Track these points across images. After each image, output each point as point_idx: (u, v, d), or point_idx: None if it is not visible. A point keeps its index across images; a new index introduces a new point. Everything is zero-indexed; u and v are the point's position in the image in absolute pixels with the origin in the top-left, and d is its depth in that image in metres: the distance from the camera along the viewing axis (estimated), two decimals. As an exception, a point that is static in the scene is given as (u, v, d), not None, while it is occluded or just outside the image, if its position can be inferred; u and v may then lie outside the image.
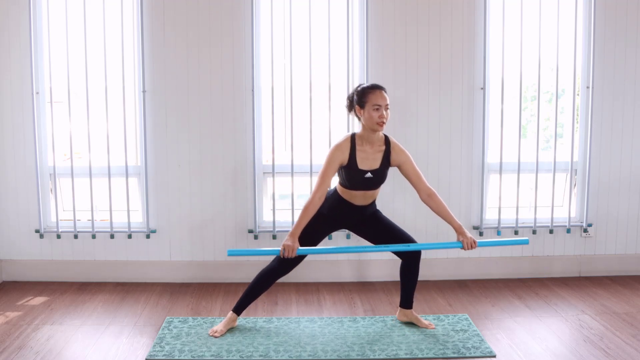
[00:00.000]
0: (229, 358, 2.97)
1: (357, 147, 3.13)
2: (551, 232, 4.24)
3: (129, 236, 4.17)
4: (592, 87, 4.14)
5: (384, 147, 3.16)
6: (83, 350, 3.07)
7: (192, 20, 4.00)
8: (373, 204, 3.32)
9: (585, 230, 4.28)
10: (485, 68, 4.07)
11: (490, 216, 4.27)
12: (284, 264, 3.20)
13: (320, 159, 4.09)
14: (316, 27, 4.04)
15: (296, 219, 4.10)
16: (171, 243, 4.19)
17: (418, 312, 3.56)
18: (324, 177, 3.10)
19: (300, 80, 4.09)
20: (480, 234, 4.21)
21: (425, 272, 4.22)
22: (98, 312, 3.61)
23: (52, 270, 4.19)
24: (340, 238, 4.20)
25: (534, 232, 4.23)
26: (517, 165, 4.16)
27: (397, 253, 3.31)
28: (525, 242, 3.28)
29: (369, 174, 3.14)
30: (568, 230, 4.26)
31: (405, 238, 3.27)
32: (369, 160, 3.14)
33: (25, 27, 3.96)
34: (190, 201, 4.15)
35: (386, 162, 3.16)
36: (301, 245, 3.11)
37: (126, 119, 4.07)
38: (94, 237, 4.16)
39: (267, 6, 4.01)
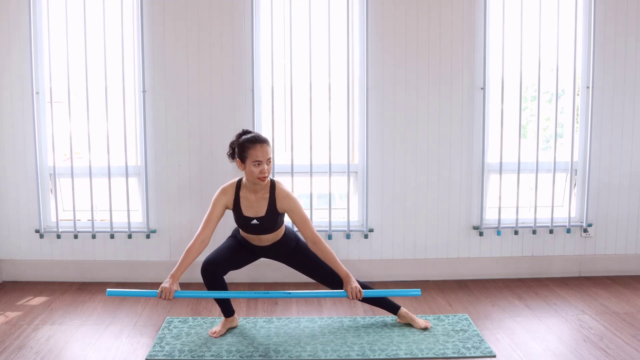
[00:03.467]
0: (229, 358, 2.97)
1: (241, 194, 3.11)
2: (551, 232, 4.24)
3: (129, 236, 4.17)
4: (592, 87, 4.14)
5: (268, 195, 3.09)
6: (83, 350, 3.07)
7: (192, 20, 4.00)
8: (283, 242, 3.24)
9: (585, 230, 4.28)
10: (485, 68, 4.07)
11: (490, 216, 4.27)
12: (204, 274, 3.11)
13: (321, 159, 4.12)
14: (316, 27, 4.04)
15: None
16: (171, 243, 4.19)
17: (418, 312, 3.56)
18: (207, 220, 3.07)
19: (300, 80, 4.08)
20: (481, 234, 4.21)
21: (425, 272, 4.23)
22: (98, 312, 3.61)
23: (52, 270, 4.19)
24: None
25: (534, 232, 4.23)
26: (517, 165, 4.16)
27: (325, 284, 3.27)
28: (417, 294, 3.05)
29: (254, 221, 3.10)
30: (568, 230, 4.26)
31: (333, 272, 3.16)
32: (253, 208, 3.10)
33: (25, 27, 3.96)
34: (190, 201, 4.14)
35: (272, 208, 3.09)
36: (224, 263, 3.12)
37: (126, 119, 4.07)
38: (94, 237, 4.16)
39: (267, 6, 4.01)
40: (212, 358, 2.97)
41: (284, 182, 4.15)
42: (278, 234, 3.21)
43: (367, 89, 4.06)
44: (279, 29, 4.03)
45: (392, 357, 2.99)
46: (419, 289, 3.08)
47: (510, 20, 4.07)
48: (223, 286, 3.16)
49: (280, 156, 4.15)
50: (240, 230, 3.24)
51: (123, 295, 3.22)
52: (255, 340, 3.17)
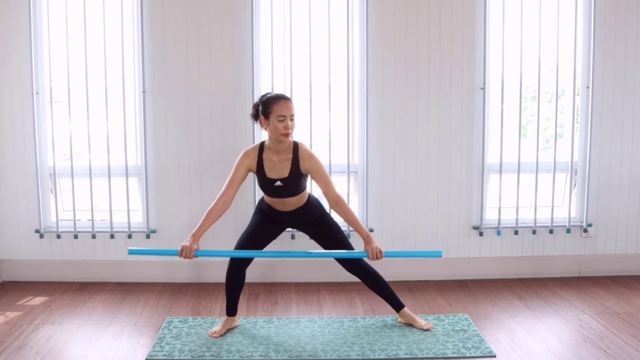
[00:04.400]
0: (229, 358, 2.97)
1: (264, 156, 3.12)
2: (551, 232, 4.24)
3: (129, 236, 4.17)
4: (592, 87, 4.14)
5: (291, 155, 3.11)
6: (83, 350, 3.07)
7: (192, 20, 4.00)
8: (306, 208, 3.25)
9: (585, 230, 4.28)
10: (485, 68, 4.07)
11: (490, 216, 4.27)
12: (231, 264, 3.20)
13: (321, 159, 4.10)
14: (316, 27, 4.04)
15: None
16: (171, 243, 4.19)
17: (418, 312, 3.57)
18: (229, 182, 3.10)
19: (300, 81, 4.08)
20: (481, 234, 4.21)
21: (425, 272, 4.23)
22: (98, 312, 3.61)
23: (52, 270, 4.19)
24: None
25: (534, 232, 4.23)
26: (517, 165, 4.16)
27: (343, 266, 3.29)
28: (439, 255, 3.10)
29: (278, 182, 3.11)
30: (568, 230, 4.26)
31: (347, 258, 3.23)
32: (276, 169, 3.12)
33: (25, 27, 3.96)
34: (190, 201, 4.14)
35: (296, 169, 3.11)
36: (250, 247, 3.17)
37: (126, 119, 4.07)
38: (94, 237, 4.16)
39: (267, 6, 4.01)
40: (212, 358, 2.98)
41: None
42: (302, 199, 3.21)
43: (367, 89, 4.06)
44: (279, 29, 4.03)
45: (392, 357, 2.99)
46: (440, 250, 3.17)
47: (510, 20, 4.07)
48: (243, 280, 3.25)
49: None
50: (264, 197, 3.25)
51: (144, 254, 3.23)
52: (255, 340, 3.17)
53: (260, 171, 3.13)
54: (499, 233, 4.23)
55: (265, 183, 3.14)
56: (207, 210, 3.07)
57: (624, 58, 4.13)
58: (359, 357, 2.98)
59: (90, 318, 3.51)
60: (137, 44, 4.00)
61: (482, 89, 4.10)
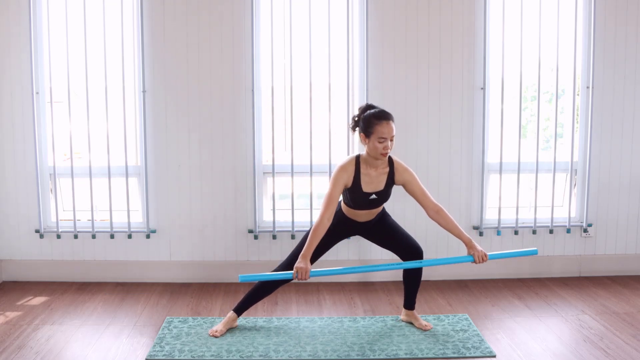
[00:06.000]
0: (229, 358, 2.97)
1: (362, 171, 3.12)
2: (551, 232, 4.24)
3: (129, 236, 4.17)
4: (592, 87, 4.14)
5: (387, 169, 3.14)
6: (83, 350, 3.07)
7: (192, 20, 4.00)
8: (381, 215, 3.32)
9: (585, 230, 4.28)
10: (485, 68, 4.07)
11: (490, 216, 4.27)
12: (291, 268, 3.17)
13: (320, 159, 4.12)
14: (316, 27, 4.04)
15: (296, 219, 4.15)
16: (171, 243, 4.19)
17: (418, 312, 3.56)
18: (331, 198, 3.08)
19: (300, 80, 4.08)
20: (481, 234, 4.21)
21: (425, 272, 4.21)
22: (98, 312, 3.61)
23: (52, 270, 4.19)
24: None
25: (534, 232, 4.23)
26: (517, 165, 4.16)
27: (400, 256, 3.31)
28: (535, 253, 3.19)
29: (373, 196, 3.15)
30: (568, 230, 4.26)
31: (409, 244, 3.28)
32: (373, 184, 3.14)
33: (25, 27, 3.96)
34: (190, 201, 4.14)
35: (390, 182, 3.16)
36: (315, 255, 3.15)
37: (126, 119, 4.07)
38: (94, 237, 4.16)
39: (267, 6, 4.01)
40: (212, 358, 2.98)
41: (283, 182, 4.18)
42: (382, 206, 3.27)
43: (367, 89, 4.06)
44: (279, 29, 4.03)
45: (392, 357, 2.99)
46: (536, 249, 3.21)
47: (510, 20, 4.07)
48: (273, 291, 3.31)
49: (280, 156, 4.15)
50: (343, 209, 3.25)
51: (256, 279, 3.23)
52: (255, 340, 3.17)
53: (356, 185, 3.12)
54: (499, 233, 4.23)
55: (360, 197, 3.14)
56: (312, 229, 3.05)
57: (624, 58, 4.13)
58: (359, 357, 2.98)
59: (90, 318, 3.51)
60: (137, 44, 4.00)
61: (482, 89, 4.10)
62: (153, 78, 4.04)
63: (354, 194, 3.13)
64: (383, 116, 3.03)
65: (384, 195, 3.17)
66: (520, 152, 4.15)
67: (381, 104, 4.05)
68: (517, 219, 4.20)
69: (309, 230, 3.13)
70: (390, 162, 3.15)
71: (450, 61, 4.08)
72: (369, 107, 3.12)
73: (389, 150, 3.03)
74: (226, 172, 4.12)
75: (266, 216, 4.24)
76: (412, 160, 4.13)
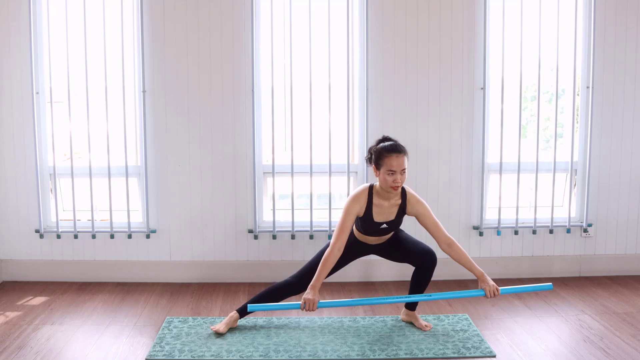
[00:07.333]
0: (229, 358, 2.97)
1: (374, 201, 3.13)
2: (551, 232, 4.24)
3: (129, 236, 4.17)
4: (592, 87, 4.14)
5: (400, 201, 3.15)
6: (83, 350, 3.07)
7: (192, 20, 4.00)
8: (393, 234, 3.34)
9: (585, 230, 4.28)
10: (485, 68, 4.07)
11: (490, 216, 4.27)
12: (302, 281, 3.19)
13: (321, 159, 4.12)
14: (316, 27, 4.04)
15: (296, 219, 4.15)
16: (171, 243, 4.19)
17: (418, 312, 3.56)
18: (342, 228, 3.10)
19: (300, 80, 4.08)
20: (480, 234, 4.21)
21: (425, 272, 4.22)
22: (98, 312, 3.61)
23: (52, 270, 4.19)
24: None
25: (534, 232, 4.23)
26: (517, 165, 4.16)
27: (415, 264, 3.29)
28: (550, 288, 3.17)
29: (384, 225, 3.17)
30: (568, 230, 4.26)
31: (421, 249, 3.24)
32: (384, 214, 3.15)
33: (25, 27, 3.96)
34: (190, 201, 4.15)
35: (402, 213, 3.18)
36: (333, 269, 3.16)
37: (126, 119, 4.07)
38: (94, 237, 4.16)
39: (267, 6, 4.01)
40: (212, 358, 2.98)
41: (283, 182, 4.18)
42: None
43: (367, 89, 4.06)
44: (279, 29, 4.03)
45: (392, 357, 2.99)
46: (551, 284, 3.19)
47: (510, 20, 4.07)
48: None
49: (280, 156, 4.15)
50: (358, 235, 3.29)
51: (265, 310, 3.26)
52: (255, 340, 3.17)
53: (367, 215, 3.14)
54: (499, 233, 4.23)
55: (370, 226, 3.17)
56: (322, 259, 3.07)
57: (624, 58, 4.13)
58: (359, 357, 2.98)
59: (90, 318, 3.51)
60: (137, 44, 4.01)
61: (482, 89, 4.10)
62: (153, 78, 4.04)
63: (365, 223, 3.17)
64: (393, 149, 3.04)
65: (394, 224, 3.20)
66: (520, 152, 4.15)
67: (381, 103, 4.08)
68: (517, 219, 4.20)
69: (326, 246, 3.16)
70: (403, 193, 3.16)
71: (450, 61, 4.08)
72: (384, 139, 3.15)
73: (398, 184, 3.03)
74: (226, 172, 4.12)
75: (266, 216, 4.24)
76: (412, 160, 4.13)
